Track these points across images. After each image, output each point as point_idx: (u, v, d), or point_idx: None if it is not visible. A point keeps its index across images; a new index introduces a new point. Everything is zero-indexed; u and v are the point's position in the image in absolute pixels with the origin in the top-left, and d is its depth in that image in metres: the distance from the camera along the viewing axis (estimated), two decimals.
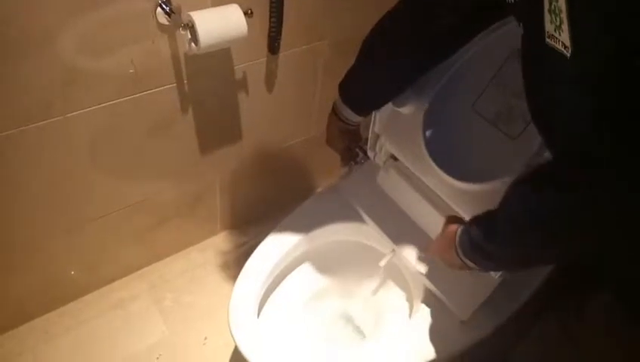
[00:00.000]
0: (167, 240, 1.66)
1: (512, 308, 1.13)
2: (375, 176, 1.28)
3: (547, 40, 0.59)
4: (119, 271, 1.62)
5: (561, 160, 0.61)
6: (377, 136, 1.20)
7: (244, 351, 1.04)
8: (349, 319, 1.33)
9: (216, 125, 1.44)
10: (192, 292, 1.62)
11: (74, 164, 1.23)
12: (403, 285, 1.28)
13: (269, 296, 1.25)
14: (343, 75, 1.06)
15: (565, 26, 0.54)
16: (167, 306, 1.59)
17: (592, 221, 0.62)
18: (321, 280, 1.32)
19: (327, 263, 1.32)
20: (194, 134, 1.40)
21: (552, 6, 0.55)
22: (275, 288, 1.27)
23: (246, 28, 1.13)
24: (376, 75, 1.01)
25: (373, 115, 1.17)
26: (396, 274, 1.28)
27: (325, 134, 1.18)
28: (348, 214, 1.28)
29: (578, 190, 0.59)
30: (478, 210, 0.83)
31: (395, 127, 1.14)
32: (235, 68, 1.33)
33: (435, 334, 1.09)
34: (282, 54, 1.39)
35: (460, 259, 0.87)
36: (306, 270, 1.32)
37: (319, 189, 1.91)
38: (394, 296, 1.29)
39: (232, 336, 1.06)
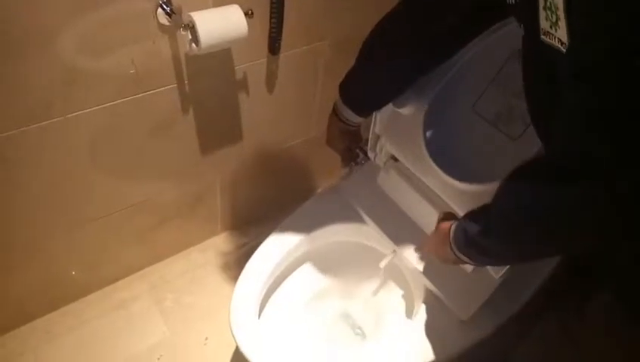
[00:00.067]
0: (168, 241, 1.66)
1: (512, 309, 1.13)
2: (375, 176, 1.28)
3: (542, 37, 0.59)
4: (120, 272, 1.62)
5: (560, 160, 0.61)
6: (378, 137, 1.20)
7: (245, 352, 1.04)
8: (349, 319, 1.33)
9: (217, 125, 1.44)
10: (192, 293, 1.63)
11: (74, 165, 1.24)
12: (403, 285, 1.28)
13: (269, 297, 1.25)
14: (344, 76, 1.06)
15: (562, 23, 0.54)
16: (168, 306, 1.59)
17: (592, 221, 0.62)
18: (321, 281, 1.32)
19: (327, 264, 1.32)
20: (194, 135, 1.41)
21: (548, 3, 0.55)
22: (276, 288, 1.28)
23: (246, 28, 1.13)
24: (376, 75, 1.01)
25: (373, 116, 1.17)
26: (397, 275, 1.28)
27: (326, 135, 1.18)
28: (348, 215, 1.28)
29: (578, 190, 0.59)
30: None
31: (396, 128, 1.14)
32: (236, 68, 1.34)
33: (436, 334, 1.09)
34: (283, 55, 1.39)
35: (455, 254, 0.87)
36: (306, 270, 1.32)
37: (320, 190, 1.91)
38: (394, 297, 1.29)
39: (233, 336, 1.06)
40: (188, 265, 1.70)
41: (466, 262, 0.87)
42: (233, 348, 1.48)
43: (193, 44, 1.11)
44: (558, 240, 0.69)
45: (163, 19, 1.10)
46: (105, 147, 1.26)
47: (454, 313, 1.11)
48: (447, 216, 0.96)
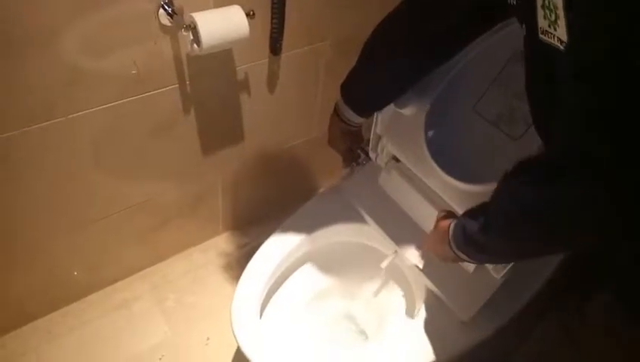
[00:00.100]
0: (169, 241, 1.66)
1: (513, 309, 1.13)
2: (377, 177, 1.28)
3: (540, 36, 0.59)
4: (121, 272, 1.62)
5: (561, 160, 0.61)
6: (379, 137, 1.20)
7: (247, 352, 1.04)
8: (351, 320, 1.33)
9: (218, 126, 1.45)
10: (194, 293, 1.63)
11: (76, 165, 1.24)
12: (405, 286, 1.28)
13: (271, 297, 1.25)
14: (345, 76, 1.06)
15: (562, 22, 0.54)
16: (170, 307, 1.59)
17: (592, 221, 0.62)
18: (323, 281, 1.32)
19: (329, 264, 1.32)
20: (196, 135, 1.41)
21: (546, 2, 0.55)
22: (278, 289, 1.28)
23: (248, 29, 1.13)
24: (377, 75, 1.01)
25: (375, 116, 1.17)
26: (398, 275, 1.28)
27: (327, 135, 1.18)
28: (350, 215, 1.28)
29: (578, 189, 0.59)
30: None
31: (397, 128, 1.14)
32: (237, 69, 1.34)
33: (437, 335, 1.09)
34: (284, 55, 1.39)
35: (453, 251, 0.87)
36: (308, 271, 1.32)
37: (321, 190, 1.91)
38: (396, 297, 1.29)
39: (235, 337, 1.06)
40: (189, 265, 1.70)
41: (465, 260, 0.87)
42: (235, 348, 1.48)
43: (195, 45, 1.11)
44: (557, 237, 0.69)
45: (164, 19, 1.10)
46: (106, 148, 1.26)
47: (455, 313, 1.11)
48: (447, 214, 0.96)
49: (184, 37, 1.13)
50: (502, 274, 1.02)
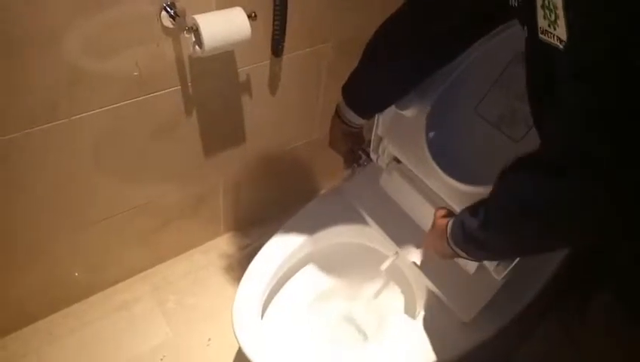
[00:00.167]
0: (171, 243, 1.66)
1: (515, 310, 1.13)
2: (378, 178, 1.28)
3: (540, 35, 0.59)
4: (123, 273, 1.62)
5: (561, 160, 0.61)
6: (380, 139, 1.20)
7: (248, 353, 1.04)
8: (352, 321, 1.33)
9: (220, 127, 1.45)
10: (195, 294, 1.63)
11: (78, 167, 1.24)
12: (406, 287, 1.28)
13: (272, 298, 1.25)
14: (347, 78, 1.07)
15: (561, 22, 0.54)
16: (171, 308, 1.59)
17: (592, 220, 0.62)
18: (324, 282, 1.32)
19: (330, 265, 1.32)
20: (198, 137, 1.41)
21: (546, 2, 0.55)
22: (279, 290, 1.28)
23: (250, 31, 1.14)
24: (378, 77, 1.02)
25: (376, 118, 1.18)
26: (399, 276, 1.28)
27: (328, 137, 1.19)
28: (351, 216, 1.28)
29: (578, 186, 0.59)
30: None
31: (398, 130, 1.14)
32: (239, 70, 1.34)
33: (438, 336, 1.10)
34: (286, 57, 1.39)
35: (452, 248, 0.87)
36: (309, 272, 1.32)
37: (322, 191, 1.92)
38: (397, 298, 1.29)
39: (236, 338, 1.06)
40: (190, 266, 1.70)
41: (463, 257, 0.87)
42: (236, 349, 1.48)
43: (197, 47, 1.11)
44: (557, 234, 0.69)
45: (167, 21, 1.10)
46: (108, 149, 1.26)
47: (456, 314, 1.11)
48: (445, 212, 0.96)
49: (186, 39, 1.14)
50: (503, 275, 1.03)
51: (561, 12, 0.54)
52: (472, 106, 1.10)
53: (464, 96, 1.09)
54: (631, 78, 0.50)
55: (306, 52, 1.43)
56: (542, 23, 0.58)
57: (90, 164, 1.25)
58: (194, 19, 1.08)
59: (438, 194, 1.10)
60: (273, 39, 1.32)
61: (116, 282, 1.62)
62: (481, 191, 0.96)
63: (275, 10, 1.24)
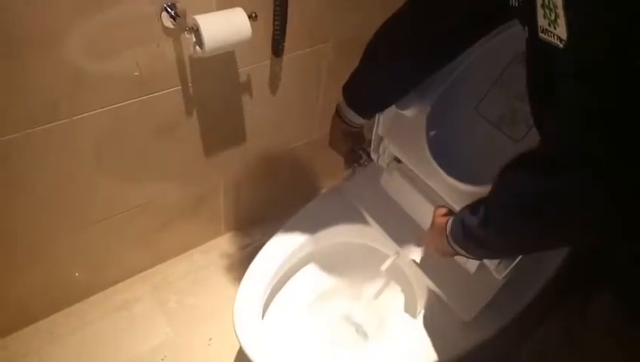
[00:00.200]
0: (171, 242, 1.66)
1: (515, 310, 1.13)
2: (378, 178, 1.29)
3: (540, 35, 0.59)
4: (123, 273, 1.63)
5: (561, 160, 0.61)
6: (381, 139, 1.20)
7: (249, 352, 1.04)
8: (352, 320, 1.33)
9: (221, 128, 1.45)
10: (195, 294, 1.63)
11: (79, 167, 1.24)
12: (406, 287, 1.28)
13: (273, 298, 1.26)
14: (347, 78, 1.07)
15: (561, 21, 0.54)
16: (171, 308, 1.59)
17: (592, 220, 0.62)
18: (325, 282, 1.32)
19: (331, 265, 1.33)
20: (198, 137, 1.41)
21: (546, 1, 0.55)
22: (280, 289, 1.28)
23: (250, 31, 1.14)
24: (379, 76, 1.02)
25: (376, 118, 1.18)
26: (400, 276, 1.28)
27: (328, 136, 1.19)
28: (352, 216, 1.28)
29: (577, 184, 0.59)
30: None
31: (399, 130, 1.14)
32: (240, 71, 1.34)
33: (439, 336, 1.10)
34: (286, 57, 1.39)
35: (451, 246, 0.87)
36: (310, 271, 1.32)
37: (323, 191, 1.92)
38: (397, 298, 1.29)
39: (237, 337, 1.07)
40: (191, 266, 1.70)
41: (463, 255, 0.87)
42: (237, 349, 1.48)
43: (197, 47, 1.11)
44: (556, 232, 0.69)
45: (167, 22, 1.10)
46: (109, 149, 1.26)
47: (457, 314, 1.11)
48: (445, 211, 0.96)
49: (187, 39, 1.14)
50: (503, 274, 1.03)
51: (561, 11, 0.54)
52: (472, 106, 1.10)
53: (464, 96, 1.09)
54: (631, 78, 0.50)
55: (306, 52, 1.43)
56: (542, 22, 0.58)
57: (90, 164, 1.25)
58: (194, 19, 1.08)
59: (439, 194, 1.10)
60: (273, 39, 1.32)
61: (116, 282, 1.62)
62: (482, 190, 0.96)
63: (275, 10, 1.24)
